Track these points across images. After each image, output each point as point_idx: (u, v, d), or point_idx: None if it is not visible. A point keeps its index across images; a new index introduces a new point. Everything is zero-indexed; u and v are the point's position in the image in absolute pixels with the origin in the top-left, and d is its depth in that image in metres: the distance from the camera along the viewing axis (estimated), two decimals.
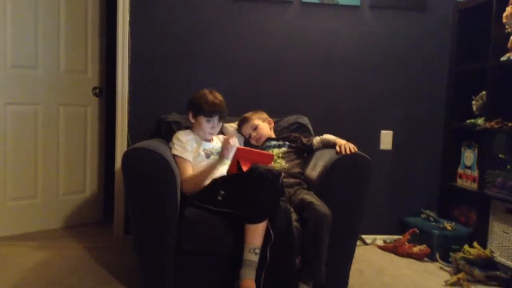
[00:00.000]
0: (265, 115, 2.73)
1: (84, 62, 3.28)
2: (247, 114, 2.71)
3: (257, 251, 1.87)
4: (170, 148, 2.32)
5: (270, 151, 2.51)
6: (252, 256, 1.86)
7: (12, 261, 2.52)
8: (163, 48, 2.97)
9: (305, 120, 2.83)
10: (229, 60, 3.03)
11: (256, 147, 2.60)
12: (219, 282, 2.04)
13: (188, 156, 2.29)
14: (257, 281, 1.86)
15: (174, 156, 2.27)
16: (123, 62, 2.93)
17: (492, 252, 2.60)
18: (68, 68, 3.20)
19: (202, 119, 2.40)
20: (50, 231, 3.13)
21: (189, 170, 2.25)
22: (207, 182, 2.17)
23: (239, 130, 2.74)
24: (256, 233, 1.88)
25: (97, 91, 3.34)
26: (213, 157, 2.37)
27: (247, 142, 2.69)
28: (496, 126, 2.65)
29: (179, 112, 2.69)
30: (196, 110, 2.41)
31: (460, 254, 2.61)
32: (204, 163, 2.30)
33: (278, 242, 1.91)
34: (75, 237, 3.03)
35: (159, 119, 2.68)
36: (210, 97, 2.39)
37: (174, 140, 2.36)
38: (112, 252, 2.75)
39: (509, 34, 2.66)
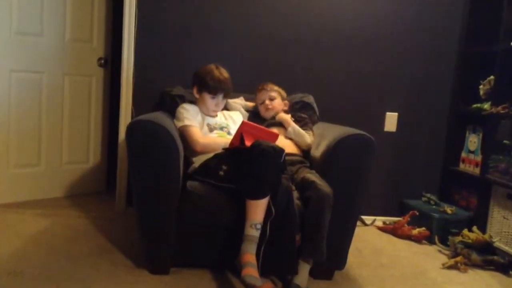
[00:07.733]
0: (285, 95, 2.72)
1: (89, 31, 3.25)
2: (273, 84, 2.69)
3: (258, 226, 1.88)
4: (175, 123, 2.32)
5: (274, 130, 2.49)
6: (253, 231, 1.87)
7: (14, 228, 2.54)
8: (171, 19, 2.93)
9: (310, 99, 2.81)
10: (237, 36, 2.98)
11: (262, 121, 2.58)
12: (220, 255, 2.07)
13: (196, 124, 2.30)
14: (257, 255, 1.87)
15: (184, 126, 2.27)
16: (129, 33, 2.89)
17: (491, 237, 2.61)
18: (74, 37, 3.17)
19: (207, 96, 2.39)
20: (52, 200, 3.16)
21: (200, 133, 2.28)
22: (211, 154, 2.17)
23: (257, 92, 2.71)
24: (257, 209, 1.89)
25: (102, 61, 3.32)
26: (217, 132, 2.37)
27: (252, 117, 2.67)
28: (502, 112, 2.63)
29: (184, 85, 2.67)
30: (201, 85, 2.40)
31: (459, 238, 2.62)
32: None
33: (278, 218, 1.92)
34: (77, 206, 3.05)
35: (163, 92, 2.66)
36: (216, 73, 2.37)
37: (181, 109, 2.36)
38: (114, 222, 2.78)
39: None
